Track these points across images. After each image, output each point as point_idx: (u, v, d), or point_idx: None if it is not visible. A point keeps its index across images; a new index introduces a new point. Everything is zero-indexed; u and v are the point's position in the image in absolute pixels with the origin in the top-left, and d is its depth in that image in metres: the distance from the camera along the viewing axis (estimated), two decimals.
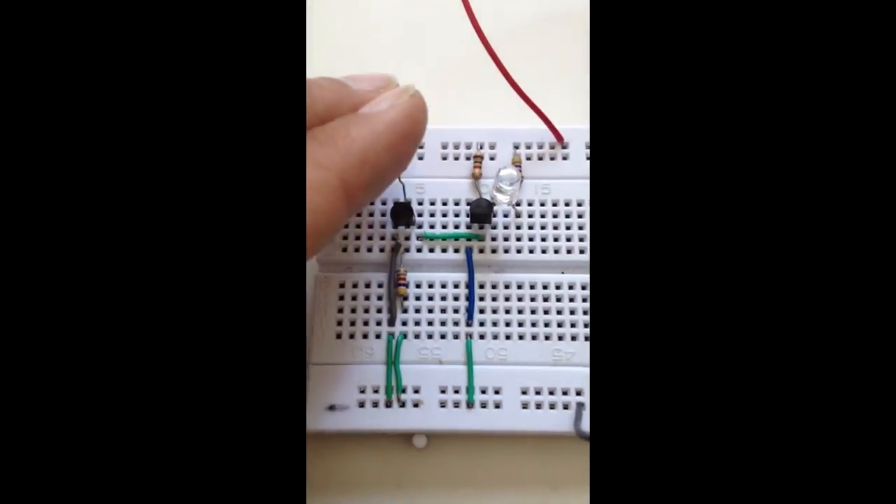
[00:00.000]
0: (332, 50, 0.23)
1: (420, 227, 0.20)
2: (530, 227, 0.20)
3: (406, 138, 0.17)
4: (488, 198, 0.20)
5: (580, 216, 0.20)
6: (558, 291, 0.19)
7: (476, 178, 0.21)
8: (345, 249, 0.20)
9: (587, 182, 0.20)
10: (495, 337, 0.19)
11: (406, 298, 0.20)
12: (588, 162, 0.21)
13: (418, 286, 0.20)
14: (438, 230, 0.20)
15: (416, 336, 0.19)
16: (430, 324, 0.19)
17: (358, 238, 0.20)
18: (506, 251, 0.20)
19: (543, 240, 0.20)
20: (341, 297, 0.20)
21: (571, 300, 0.19)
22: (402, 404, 0.19)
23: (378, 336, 0.19)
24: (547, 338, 0.19)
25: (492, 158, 0.21)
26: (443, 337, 0.19)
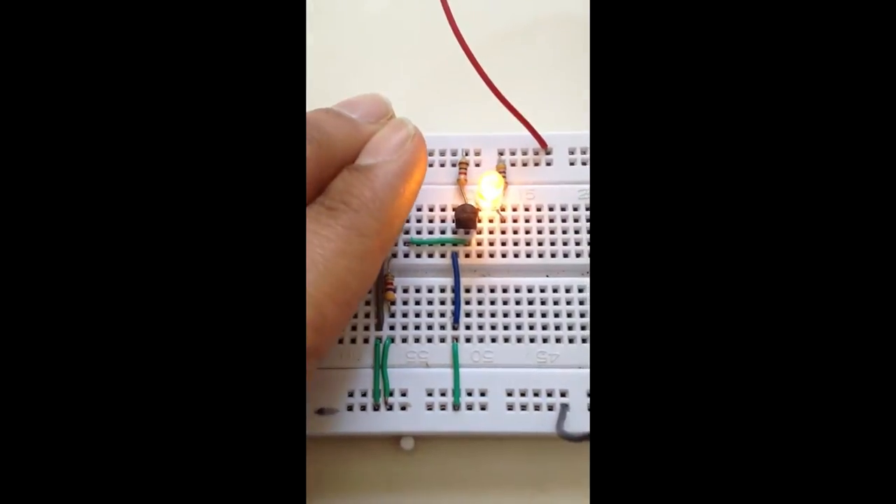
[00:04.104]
0: (319, 57, 0.23)
1: (407, 232, 0.21)
2: (515, 232, 0.20)
3: (418, 182, 0.18)
4: (473, 203, 0.20)
5: (564, 220, 0.20)
6: (543, 294, 0.20)
7: (461, 184, 0.21)
8: None
9: (570, 187, 0.21)
10: (481, 340, 0.19)
11: (393, 303, 0.20)
12: (571, 167, 0.21)
13: (405, 291, 0.20)
14: (425, 235, 0.20)
15: (404, 340, 0.20)
16: (416, 328, 0.20)
17: None
18: (491, 255, 0.20)
19: (528, 244, 0.20)
20: None
21: (556, 303, 0.20)
22: (390, 407, 0.19)
23: (366, 340, 0.20)
24: (532, 340, 0.19)
25: (477, 165, 0.21)
26: (429, 341, 0.19)
